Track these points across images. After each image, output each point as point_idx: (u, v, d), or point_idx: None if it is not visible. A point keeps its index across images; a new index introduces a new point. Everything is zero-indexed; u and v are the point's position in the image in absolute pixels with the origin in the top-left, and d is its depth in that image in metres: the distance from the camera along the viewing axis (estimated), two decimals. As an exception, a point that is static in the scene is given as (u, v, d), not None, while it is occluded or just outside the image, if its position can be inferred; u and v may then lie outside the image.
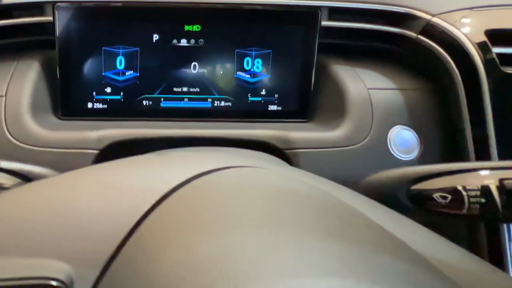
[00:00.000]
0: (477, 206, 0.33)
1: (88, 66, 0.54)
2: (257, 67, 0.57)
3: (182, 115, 0.56)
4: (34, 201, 0.24)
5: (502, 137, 0.50)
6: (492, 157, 0.50)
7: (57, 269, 0.21)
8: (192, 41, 0.55)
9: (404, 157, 0.54)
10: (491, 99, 0.51)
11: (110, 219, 0.23)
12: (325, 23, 0.56)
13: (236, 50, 0.56)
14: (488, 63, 0.51)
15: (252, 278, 0.17)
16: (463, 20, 0.54)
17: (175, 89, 0.56)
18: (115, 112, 0.55)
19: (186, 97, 0.56)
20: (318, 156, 0.52)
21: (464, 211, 0.34)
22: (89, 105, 0.55)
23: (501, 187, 0.33)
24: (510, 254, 0.46)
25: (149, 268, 0.19)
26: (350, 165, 0.52)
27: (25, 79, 0.51)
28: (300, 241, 0.20)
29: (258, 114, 0.58)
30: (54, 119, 0.54)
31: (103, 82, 0.55)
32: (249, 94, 0.57)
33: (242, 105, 0.57)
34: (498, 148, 0.50)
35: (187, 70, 0.56)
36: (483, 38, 0.52)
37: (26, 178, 0.37)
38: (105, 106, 0.55)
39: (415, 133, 0.55)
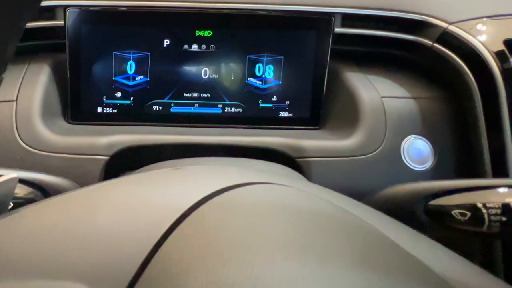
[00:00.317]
0: (498, 224, 0.32)
1: (98, 71, 0.54)
2: (268, 73, 0.56)
3: (192, 120, 0.56)
4: (53, 221, 0.23)
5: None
6: (510, 168, 0.49)
7: None
8: (203, 46, 0.54)
9: (418, 168, 0.53)
10: (509, 109, 0.50)
11: (130, 239, 0.22)
12: (338, 29, 0.55)
13: (248, 56, 0.55)
14: (507, 73, 0.50)
15: None
16: (481, 28, 0.53)
17: (185, 94, 0.55)
18: (125, 116, 0.55)
19: (196, 103, 0.56)
20: (330, 165, 0.51)
21: (484, 229, 0.33)
22: (99, 109, 0.55)
23: (523, 206, 0.32)
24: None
25: None
26: (362, 175, 0.51)
27: (36, 84, 0.51)
28: (326, 271, 0.19)
29: (269, 120, 0.57)
30: (64, 123, 0.54)
31: (113, 86, 0.54)
32: (260, 101, 0.57)
33: (253, 111, 0.57)
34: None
35: (197, 76, 0.55)
36: (501, 47, 0.51)
37: (38, 187, 0.36)
38: (115, 110, 0.55)
39: (429, 143, 0.54)
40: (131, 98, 0.55)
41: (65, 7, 0.51)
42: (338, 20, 0.55)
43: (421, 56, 0.58)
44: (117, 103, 0.55)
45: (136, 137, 0.51)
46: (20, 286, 0.20)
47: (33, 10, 0.18)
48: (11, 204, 0.33)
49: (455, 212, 0.34)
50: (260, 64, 0.56)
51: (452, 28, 0.54)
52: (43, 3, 0.51)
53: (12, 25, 0.17)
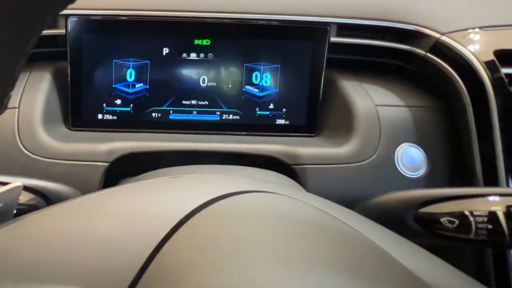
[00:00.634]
0: (484, 232, 0.33)
1: (98, 78, 0.55)
2: (265, 82, 0.57)
3: (190, 127, 0.57)
4: (54, 229, 0.24)
5: (510, 156, 0.50)
6: (500, 176, 0.50)
7: None
8: (202, 55, 0.56)
9: (411, 175, 0.54)
10: (499, 118, 0.51)
11: (128, 246, 0.23)
12: (334, 39, 0.57)
13: (245, 64, 0.56)
14: (496, 82, 0.51)
15: None
16: (472, 39, 0.54)
17: (184, 102, 0.56)
18: (124, 123, 0.56)
19: (194, 110, 0.57)
20: (325, 172, 0.52)
21: (471, 236, 0.34)
22: (99, 116, 0.56)
23: (508, 214, 0.33)
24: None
25: None
26: (357, 182, 0.52)
27: (38, 91, 0.52)
28: (313, 278, 0.20)
29: (266, 128, 0.58)
30: (64, 130, 0.55)
31: (113, 94, 0.55)
32: (257, 108, 0.58)
33: (250, 118, 0.58)
34: (506, 167, 0.50)
35: (196, 83, 0.56)
36: (492, 57, 0.52)
37: (41, 193, 0.37)
38: (115, 117, 0.56)
39: (422, 151, 0.55)
40: (131, 105, 0.56)
41: (67, 16, 0.52)
42: (333, 30, 0.57)
43: (415, 65, 0.59)
44: (117, 110, 0.56)
45: (136, 144, 0.52)
46: None
47: (39, 34, 0.19)
48: (14, 211, 0.34)
49: (443, 219, 0.35)
50: (257, 73, 0.57)
51: (444, 38, 0.55)
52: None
53: (20, 49, 0.18)
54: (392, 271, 0.23)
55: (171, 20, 0.54)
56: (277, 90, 0.57)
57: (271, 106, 0.58)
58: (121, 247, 0.23)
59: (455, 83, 0.54)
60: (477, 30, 0.55)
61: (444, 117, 0.56)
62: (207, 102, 0.57)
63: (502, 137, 0.50)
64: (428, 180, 0.53)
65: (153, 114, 0.56)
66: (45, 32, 0.52)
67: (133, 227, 0.24)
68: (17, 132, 0.49)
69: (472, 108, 0.52)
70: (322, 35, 0.56)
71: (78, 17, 0.52)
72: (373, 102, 0.56)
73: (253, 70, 0.57)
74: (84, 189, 0.46)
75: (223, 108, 0.57)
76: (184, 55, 0.55)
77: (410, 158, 0.54)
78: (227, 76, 0.57)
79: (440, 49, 0.55)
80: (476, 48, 0.53)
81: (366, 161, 0.53)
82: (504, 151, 0.50)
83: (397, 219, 0.38)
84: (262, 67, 0.57)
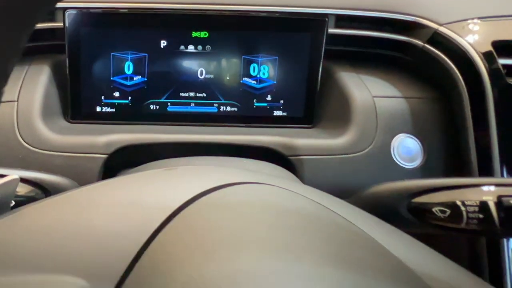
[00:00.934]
0: (475, 221, 0.34)
1: (97, 71, 0.55)
2: (263, 73, 0.57)
3: (188, 119, 0.57)
4: (51, 220, 0.25)
5: (505, 147, 0.50)
6: (495, 167, 0.50)
7: (74, 285, 0.22)
8: (200, 47, 0.56)
9: (407, 165, 0.54)
10: (496, 109, 0.51)
11: (123, 236, 0.24)
12: (332, 30, 0.57)
13: (243, 56, 0.57)
14: (493, 73, 0.51)
15: None
16: (470, 30, 0.54)
17: (182, 94, 0.57)
18: (123, 116, 0.56)
19: (192, 102, 0.57)
20: (322, 163, 0.53)
21: (463, 225, 0.34)
22: (98, 108, 0.56)
23: (499, 204, 0.33)
24: (510, 269, 0.46)
25: (162, 287, 0.20)
26: (353, 173, 0.53)
27: (36, 84, 0.52)
28: (302, 268, 0.20)
29: (264, 119, 0.58)
30: (63, 123, 0.55)
31: (111, 86, 0.56)
32: (255, 100, 0.58)
33: (247, 110, 0.58)
34: (501, 159, 0.50)
35: (194, 76, 0.56)
36: (489, 48, 0.52)
37: (39, 186, 0.38)
38: (114, 110, 0.56)
39: (419, 142, 0.55)
40: (129, 98, 0.56)
41: (64, 9, 0.52)
42: (332, 21, 0.57)
43: (412, 57, 0.59)
44: (116, 103, 0.56)
45: (134, 136, 0.52)
46: (21, 280, 0.22)
47: (31, 31, 0.19)
48: (13, 203, 0.34)
49: (435, 209, 0.35)
50: (255, 64, 0.57)
51: (442, 29, 0.55)
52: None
53: (12, 46, 0.19)
54: (381, 260, 0.24)
55: (169, 12, 0.54)
56: (275, 82, 0.58)
57: (269, 98, 0.58)
58: (114, 238, 0.24)
59: (452, 74, 0.54)
60: (476, 20, 0.55)
61: (441, 108, 0.56)
62: (205, 94, 0.57)
63: (498, 128, 0.50)
64: (423, 171, 0.54)
65: (151, 107, 0.57)
66: (43, 25, 0.53)
67: (127, 219, 0.25)
68: (16, 125, 0.49)
69: (469, 99, 0.52)
70: (320, 26, 0.56)
71: (76, 10, 0.52)
72: (370, 93, 0.56)
73: (251, 62, 0.57)
74: (83, 181, 0.47)
75: (221, 100, 0.58)
76: (182, 47, 0.56)
77: (406, 149, 0.54)
78: (225, 68, 0.57)
79: (438, 40, 0.55)
80: (474, 39, 0.53)
81: (363, 152, 0.53)
82: (499, 142, 0.50)
83: (390, 209, 0.39)
84: (260, 59, 0.57)
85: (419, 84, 0.58)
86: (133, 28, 0.54)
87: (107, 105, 0.56)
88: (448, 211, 0.35)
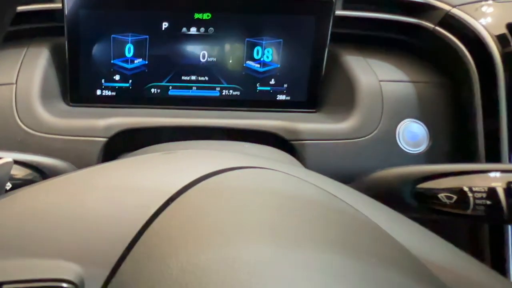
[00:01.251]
0: (482, 208, 0.33)
1: (97, 54, 0.54)
2: (267, 57, 0.56)
3: (190, 103, 0.56)
4: (45, 203, 0.24)
5: (514, 133, 0.49)
6: (503, 154, 0.49)
7: (68, 270, 0.21)
8: (202, 29, 0.54)
9: (412, 151, 0.53)
10: (507, 94, 0.49)
11: (119, 220, 0.23)
12: (339, 12, 0.55)
13: (247, 39, 0.55)
14: (507, 57, 0.49)
15: None
16: (484, 11, 0.52)
17: (183, 77, 0.56)
18: (123, 99, 0.56)
19: (194, 86, 0.56)
20: (325, 147, 0.52)
21: (469, 211, 0.34)
22: (98, 92, 0.56)
23: (508, 190, 0.32)
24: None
25: (157, 273, 0.20)
26: (356, 158, 0.52)
27: (35, 67, 0.52)
28: (302, 254, 0.20)
29: (266, 103, 0.57)
30: (63, 106, 0.55)
31: (112, 69, 0.55)
32: (258, 84, 0.57)
33: (250, 94, 0.57)
34: (510, 145, 0.49)
35: (196, 59, 0.55)
36: (504, 31, 0.50)
37: (36, 168, 0.38)
38: (114, 93, 0.56)
39: (425, 127, 0.54)
40: (130, 81, 0.55)
41: (63, -10, 0.51)
42: (339, 3, 0.55)
43: (422, 40, 0.57)
44: (116, 86, 0.56)
45: (134, 120, 0.52)
46: (12, 264, 0.21)
47: (14, 7, 0.18)
48: (10, 185, 0.34)
49: (441, 195, 0.34)
50: (258, 47, 0.56)
51: (455, 11, 0.53)
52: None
53: None
54: (386, 248, 0.23)
55: (170, -7, 0.53)
56: (279, 66, 0.56)
57: (272, 82, 0.57)
58: (110, 222, 0.23)
59: (463, 58, 0.52)
60: (490, 2, 0.53)
61: (449, 93, 0.55)
62: (207, 78, 0.56)
63: (508, 113, 0.49)
64: (428, 156, 0.53)
65: (152, 90, 0.56)
66: (42, 6, 0.52)
67: (123, 202, 0.24)
68: (15, 108, 0.49)
69: (479, 83, 0.51)
70: (327, 8, 0.54)
71: (74, -10, 0.51)
72: (377, 77, 0.55)
73: (254, 45, 0.56)
74: (82, 164, 0.46)
75: (223, 84, 0.57)
76: (184, 29, 0.54)
77: (412, 134, 0.53)
78: (228, 51, 0.56)
79: (450, 22, 0.53)
80: (488, 21, 0.51)
81: (367, 137, 0.52)
82: (509, 128, 0.48)
83: (394, 195, 0.38)
84: (264, 42, 0.56)
85: (427, 68, 0.57)
86: (133, 10, 0.53)
87: (107, 88, 0.55)
88: (455, 197, 0.34)
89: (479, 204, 0.33)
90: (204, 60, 0.56)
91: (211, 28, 0.55)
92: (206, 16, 0.54)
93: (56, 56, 0.55)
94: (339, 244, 0.21)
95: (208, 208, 0.24)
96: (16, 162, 0.36)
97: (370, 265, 0.20)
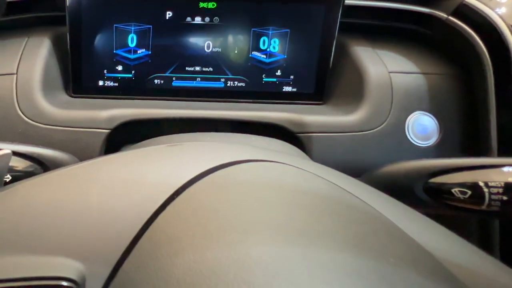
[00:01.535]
0: (498, 203, 0.32)
1: (99, 44, 0.53)
2: (273, 47, 0.55)
3: (194, 95, 0.55)
4: (45, 197, 0.23)
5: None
6: (517, 148, 0.47)
7: (68, 267, 0.20)
8: (207, 19, 0.53)
9: (421, 144, 0.52)
10: (522, 87, 0.48)
11: (121, 215, 0.22)
12: (348, 1, 0.53)
13: (253, 29, 0.54)
14: (523, 48, 0.48)
15: None
16: (500, 1, 0.50)
17: (187, 68, 0.55)
18: (126, 90, 0.54)
19: (198, 77, 0.55)
20: (332, 140, 0.51)
21: (483, 207, 0.32)
22: (100, 83, 0.54)
23: (526, 185, 0.31)
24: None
25: (161, 272, 0.19)
26: (364, 151, 0.51)
27: (36, 57, 0.51)
28: (316, 254, 0.19)
29: (272, 95, 0.56)
30: (65, 97, 0.54)
31: (114, 60, 0.54)
32: (264, 75, 0.56)
33: (256, 86, 0.56)
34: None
35: (200, 49, 0.54)
36: (520, 20, 0.48)
37: (37, 160, 0.37)
38: (116, 84, 0.55)
39: (435, 120, 0.53)
40: (133, 72, 0.54)
41: (65, -22, 0.50)
42: (348, -9, 0.53)
43: (434, 30, 0.55)
44: (118, 77, 0.54)
45: (137, 111, 0.51)
46: (10, 261, 0.21)
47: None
48: (9, 177, 0.33)
49: (455, 190, 0.33)
50: (265, 38, 0.54)
51: (469, 0, 0.51)
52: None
53: None
54: (401, 245, 0.22)
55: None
56: (285, 56, 0.55)
57: (278, 73, 0.56)
58: (113, 217, 0.22)
59: (477, 49, 0.50)
60: (506, -10, 0.51)
61: (460, 85, 0.53)
62: (211, 69, 0.55)
63: (523, 106, 0.47)
64: (438, 150, 0.51)
65: (156, 81, 0.55)
66: (43, -6, 0.51)
67: (127, 197, 0.23)
68: (15, 99, 0.48)
69: (494, 76, 0.49)
70: (336, -3, 0.52)
71: (76, -22, 0.50)
72: (386, 68, 0.54)
73: (261, 35, 0.54)
74: (84, 156, 0.45)
75: (228, 75, 0.55)
76: (188, 19, 0.53)
77: (422, 126, 0.52)
78: (233, 41, 0.54)
79: (464, 12, 0.51)
80: (503, 10, 0.49)
81: (375, 130, 0.51)
82: (524, 121, 0.47)
83: (404, 189, 0.37)
84: (270, 32, 0.54)
85: (439, 60, 0.55)
86: None
87: (109, 79, 0.54)
88: (469, 192, 0.33)
89: (494, 200, 0.32)
90: (208, 51, 0.54)
91: (216, 18, 0.53)
92: (211, 5, 0.53)
93: (58, 46, 0.54)
94: (355, 242, 0.20)
95: (216, 203, 0.22)
96: (17, 153, 0.35)
97: (389, 265, 0.19)
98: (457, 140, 0.52)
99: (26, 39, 0.53)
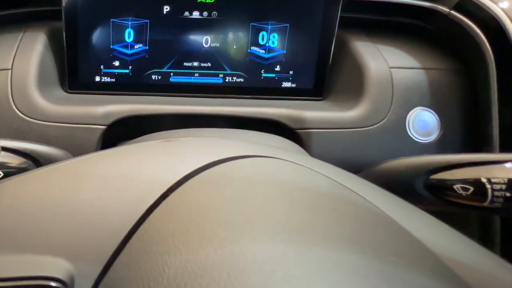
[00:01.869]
0: (501, 200, 0.31)
1: (95, 39, 0.52)
2: (272, 42, 0.54)
3: (192, 90, 0.54)
4: (34, 194, 0.23)
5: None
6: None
7: (56, 267, 0.20)
8: (205, 13, 0.52)
9: (422, 140, 0.51)
10: (525, 82, 0.47)
11: (112, 212, 0.21)
12: (348, -4, 0.53)
13: (252, 23, 0.53)
14: (526, 43, 0.47)
15: None
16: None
17: (185, 63, 0.54)
18: (123, 86, 0.54)
19: (196, 72, 0.54)
20: (332, 136, 0.50)
21: (486, 203, 0.32)
22: (97, 78, 0.54)
23: (530, 182, 0.30)
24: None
25: (153, 271, 0.18)
26: (364, 147, 0.50)
27: (32, 52, 0.50)
28: (313, 252, 0.18)
29: (271, 91, 0.55)
30: (61, 93, 0.53)
31: (111, 55, 0.53)
32: (263, 70, 0.55)
33: (254, 81, 0.55)
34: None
35: (198, 44, 0.53)
36: (524, 14, 0.47)
37: (31, 157, 0.36)
38: (113, 80, 0.54)
39: (436, 115, 0.52)
40: (130, 67, 0.54)
41: (60, -29, 0.49)
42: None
43: (436, 25, 0.55)
44: (115, 72, 0.54)
45: (134, 107, 0.50)
46: None
47: None
48: (1, 174, 0.32)
49: (457, 186, 0.33)
50: (264, 32, 0.54)
51: (472, -7, 0.50)
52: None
53: None
54: (402, 243, 0.21)
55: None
56: (285, 52, 0.54)
57: (278, 69, 0.55)
58: (104, 215, 0.21)
59: (480, 44, 0.50)
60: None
61: (462, 81, 0.52)
62: (209, 64, 0.54)
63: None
64: (439, 146, 0.51)
65: (153, 77, 0.54)
66: (38, -12, 0.50)
67: (119, 194, 0.23)
68: (10, 94, 0.47)
69: (496, 71, 0.48)
70: (336, -9, 0.51)
71: (72, -28, 0.49)
72: (387, 64, 0.53)
73: (260, 30, 0.53)
74: (80, 152, 0.45)
75: (226, 71, 0.55)
76: (186, 13, 0.52)
77: (422, 122, 0.51)
78: (232, 36, 0.53)
79: (467, 6, 0.51)
80: (507, 4, 0.49)
81: (375, 126, 0.50)
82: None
83: (404, 186, 0.36)
84: (269, 27, 0.53)
85: (440, 55, 0.55)
86: None
87: (106, 74, 0.54)
88: (471, 189, 0.32)
89: (497, 196, 0.31)
90: (207, 46, 0.53)
91: (215, 12, 0.52)
92: (209, -1, 0.52)
93: (54, 41, 0.53)
94: (355, 240, 0.20)
95: (211, 200, 0.22)
96: (10, 149, 0.35)
97: (389, 264, 0.18)
98: (458, 136, 0.52)
99: (22, 34, 0.52)
